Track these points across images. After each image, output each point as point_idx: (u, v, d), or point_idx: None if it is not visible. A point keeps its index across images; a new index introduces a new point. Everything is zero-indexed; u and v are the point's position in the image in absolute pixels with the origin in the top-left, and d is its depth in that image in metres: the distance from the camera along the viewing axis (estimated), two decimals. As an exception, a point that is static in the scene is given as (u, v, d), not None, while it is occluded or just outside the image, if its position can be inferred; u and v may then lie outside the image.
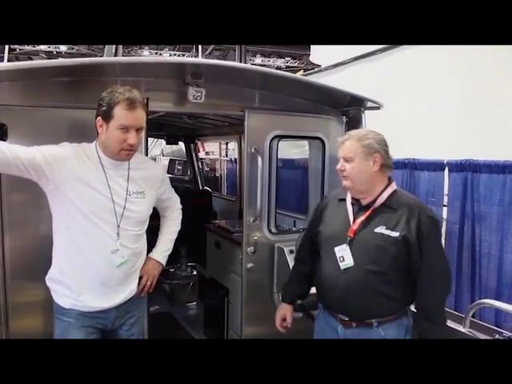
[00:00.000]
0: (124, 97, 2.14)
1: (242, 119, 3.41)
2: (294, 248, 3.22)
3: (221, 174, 9.41)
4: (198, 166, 6.55)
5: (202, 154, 9.23)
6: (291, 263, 3.11)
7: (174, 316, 5.07)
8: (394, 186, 2.37)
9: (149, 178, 2.40)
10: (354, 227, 2.32)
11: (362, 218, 2.33)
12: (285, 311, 2.63)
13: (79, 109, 2.70)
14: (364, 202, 2.37)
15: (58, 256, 2.28)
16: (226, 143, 9.59)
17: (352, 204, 2.41)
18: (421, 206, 2.32)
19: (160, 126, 5.52)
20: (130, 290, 2.38)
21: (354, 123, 3.85)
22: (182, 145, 8.00)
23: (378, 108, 3.66)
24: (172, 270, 5.28)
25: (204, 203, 5.56)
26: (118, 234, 2.25)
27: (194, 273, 5.30)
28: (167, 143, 6.73)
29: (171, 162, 9.90)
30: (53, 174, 2.11)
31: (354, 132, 2.41)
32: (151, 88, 2.98)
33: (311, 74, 7.15)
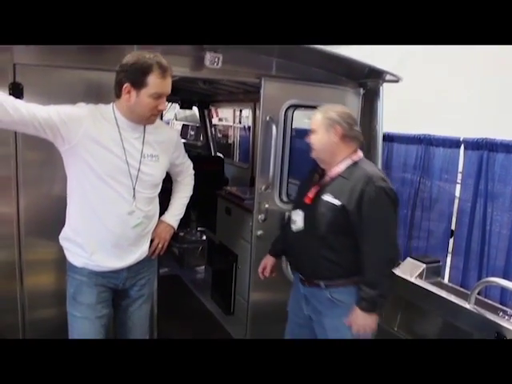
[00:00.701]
0: (157, 65, 2.13)
1: (258, 87, 3.38)
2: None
3: (233, 141, 9.38)
4: (211, 132, 6.52)
5: (215, 121, 9.18)
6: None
7: (182, 279, 5.17)
8: (354, 158, 2.49)
9: (163, 142, 2.41)
10: (311, 195, 2.52)
11: (317, 187, 2.52)
12: (267, 261, 2.87)
13: (96, 70, 2.69)
14: (326, 172, 2.54)
15: (71, 216, 2.31)
16: (240, 110, 9.52)
17: (319, 174, 2.59)
18: (371, 176, 2.39)
19: (174, 91, 5.47)
20: (141, 251, 2.41)
21: (371, 96, 3.82)
22: (195, 110, 7.97)
23: (396, 81, 3.61)
24: (182, 234, 5.33)
25: (216, 169, 5.57)
26: (133, 196, 2.28)
27: (204, 238, 5.36)
28: (181, 108, 6.68)
29: (184, 126, 9.87)
30: (68, 134, 2.12)
31: (321, 106, 2.57)
32: (168, 52, 2.92)
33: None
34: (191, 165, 2.76)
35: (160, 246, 2.53)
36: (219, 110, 10.60)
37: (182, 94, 5.67)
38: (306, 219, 2.51)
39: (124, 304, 2.51)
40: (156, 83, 2.14)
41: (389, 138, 4.14)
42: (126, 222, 2.29)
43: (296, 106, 3.49)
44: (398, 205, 2.50)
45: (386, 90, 3.76)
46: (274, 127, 3.29)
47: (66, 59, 2.65)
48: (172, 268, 5.14)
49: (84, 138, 2.14)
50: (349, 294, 2.46)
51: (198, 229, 5.32)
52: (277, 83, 3.32)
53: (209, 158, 6.29)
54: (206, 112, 6.39)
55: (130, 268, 2.39)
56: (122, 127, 2.24)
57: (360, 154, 2.54)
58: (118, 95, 2.21)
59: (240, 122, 9.87)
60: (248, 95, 5.03)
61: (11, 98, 2.00)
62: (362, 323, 2.40)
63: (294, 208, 2.62)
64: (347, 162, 2.48)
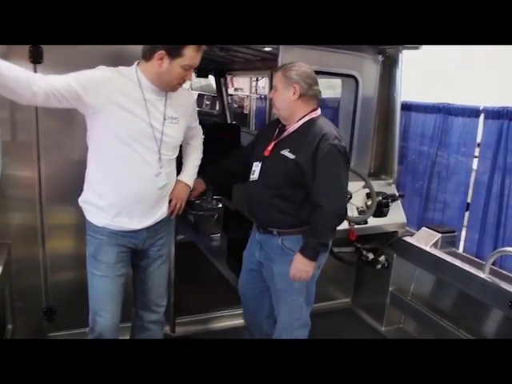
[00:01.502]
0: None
1: (275, 54, 3.34)
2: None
3: (249, 111, 9.32)
4: (228, 101, 6.48)
5: (231, 91, 9.11)
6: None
7: (198, 246, 5.24)
8: (312, 115, 2.61)
9: (183, 104, 2.43)
10: (269, 148, 2.64)
11: (275, 141, 2.64)
12: (197, 183, 2.82)
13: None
14: (287, 128, 2.65)
15: (93, 180, 2.34)
16: (257, 79, 9.42)
17: (279, 129, 2.70)
18: (325, 133, 2.52)
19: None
20: (161, 212, 2.47)
21: (390, 63, 3.76)
22: (210, 80, 7.89)
23: (416, 47, 3.54)
24: (198, 201, 5.37)
25: (232, 137, 5.54)
26: (159, 158, 2.33)
27: (220, 205, 5.38)
28: (198, 76, 6.62)
29: (200, 96, 9.81)
30: (90, 99, 2.13)
31: (285, 64, 2.66)
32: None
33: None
34: (201, 129, 2.80)
35: (178, 205, 2.58)
36: (235, 81, 10.52)
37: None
38: (262, 170, 2.64)
39: (143, 264, 2.57)
40: (191, 56, 2.17)
41: (406, 107, 4.09)
42: (153, 183, 2.34)
43: (315, 73, 3.45)
44: (349, 163, 2.70)
45: (406, 57, 3.70)
46: (291, 95, 3.26)
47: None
48: (188, 235, 5.19)
49: (107, 102, 2.15)
50: (298, 242, 2.61)
51: (214, 196, 5.34)
52: (295, 50, 3.27)
53: (225, 126, 6.27)
54: (222, 80, 6.34)
55: (149, 228, 2.43)
56: (145, 89, 2.25)
57: (318, 111, 2.66)
58: (148, 59, 2.21)
59: (256, 92, 9.79)
60: (265, 63, 4.97)
61: (29, 72, 2.01)
62: (301, 268, 2.56)
63: (255, 160, 2.70)
64: (305, 119, 2.60)
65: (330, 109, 5.10)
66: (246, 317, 3.12)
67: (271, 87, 5.26)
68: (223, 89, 6.33)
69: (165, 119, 2.32)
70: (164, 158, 2.35)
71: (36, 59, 2.59)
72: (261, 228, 2.75)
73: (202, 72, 6.34)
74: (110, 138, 2.21)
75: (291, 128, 2.63)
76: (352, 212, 3.45)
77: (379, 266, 3.70)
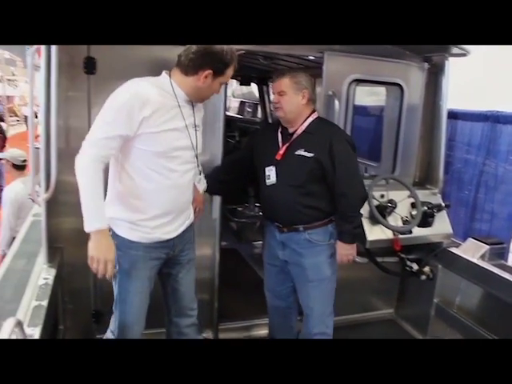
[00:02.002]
0: (236, 57, 2.30)
1: (319, 62, 3.36)
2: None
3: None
4: (270, 109, 6.52)
5: (272, 97, 9.14)
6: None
7: (240, 253, 5.28)
8: (314, 116, 2.84)
9: (202, 113, 2.54)
10: (281, 152, 2.81)
11: (286, 144, 2.81)
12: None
13: (165, 45, 2.76)
14: (290, 131, 2.84)
15: (127, 196, 2.33)
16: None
17: (281, 133, 2.88)
18: (335, 130, 2.89)
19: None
20: (190, 218, 2.58)
21: (436, 71, 3.71)
22: (252, 88, 7.93)
23: (464, 54, 3.48)
24: (240, 209, 5.42)
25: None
26: (197, 165, 2.47)
27: (262, 213, 5.41)
28: (241, 84, 6.70)
29: (241, 103, 9.91)
30: (137, 131, 2.18)
31: (288, 71, 2.88)
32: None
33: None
34: None
35: (202, 209, 2.79)
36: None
37: (242, 70, 5.69)
38: (280, 173, 2.79)
39: (175, 272, 2.59)
40: (230, 74, 2.34)
41: (453, 115, 4.01)
42: (189, 191, 2.47)
43: (359, 81, 3.44)
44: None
45: (453, 64, 3.64)
46: (336, 102, 3.26)
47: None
48: (230, 242, 5.23)
49: (149, 124, 2.19)
50: (324, 233, 2.86)
51: (256, 204, 5.39)
52: (339, 57, 3.29)
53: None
54: (264, 88, 6.38)
55: (179, 234, 2.49)
56: (180, 101, 2.31)
57: (316, 113, 2.89)
58: (189, 74, 2.27)
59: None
60: (308, 71, 4.96)
61: (101, 171, 2.18)
62: (345, 253, 2.84)
63: (265, 165, 2.84)
64: (309, 121, 2.82)
65: (373, 117, 5.07)
66: (275, 319, 3.23)
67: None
68: (265, 96, 6.36)
69: (195, 128, 2.41)
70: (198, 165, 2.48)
71: (90, 70, 2.69)
72: (284, 227, 2.87)
73: (244, 80, 6.41)
74: (149, 155, 2.24)
75: (299, 130, 2.82)
76: (396, 221, 3.41)
77: (424, 277, 3.63)
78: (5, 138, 9.72)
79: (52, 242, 2.81)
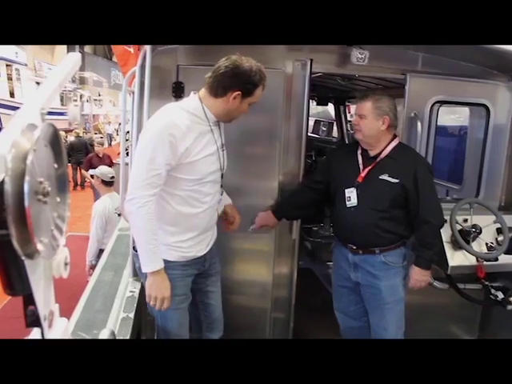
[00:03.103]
0: (264, 77, 2.29)
1: (399, 82, 3.33)
2: (446, 218, 3.13)
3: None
4: (347, 128, 6.51)
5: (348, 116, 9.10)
6: (443, 234, 3.07)
7: (314, 273, 5.27)
8: (396, 141, 2.85)
9: (223, 130, 2.49)
10: (363, 174, 2.83)
11: (369, 167, 2.82)
12: (268, 216, 3.08)
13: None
14: (371, 154, 2.85)
15: (160, 222, 2.31)
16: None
17: (361, 155, 2.87)
18: (417, 157, 2.91)
19: (311, 87, 5.56)
20: (215, 233, 2.61)
21: (526, 89, 3.56)
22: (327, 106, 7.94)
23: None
24: (315, 228, 5.42)
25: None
26: (221, 185, 2.50)
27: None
28: (317, 104, 6.76)
29: (316, 122, 9.93)
30: (176, 162, 2.22)
31: (371, 94, 2.83)
32: (315, 49, 3.05)
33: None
34: None
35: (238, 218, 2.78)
36: (351, 106, 10.49)
37: (319, 90, 5.74)
38: (361, 196, 2.80)
39: (204, 286, 2.62)
40: (259, 94, 2.31)
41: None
42: (215, 209, 2.51)
43: (442, 102, 3.38)
44: None
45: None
46: (419, 124, 3.22)
47: (219, 58, 2.86)
48: (305, 261, 5.24)
49: (187, 154, 2.22)
50: (399, 255, 2.87)
51: (332, 224, 5.36)
52: (422, 79, 3.25)
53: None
54: (341, 108, 6.39)
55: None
56: (211, 124, 2.32)
57: (398, 138, 2.89)
58: (219, 96, 2.27)
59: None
60: (387, 91, 4.94)
61: (153, 207, 2.19)
62: (420, 278, 2.84)
63: (345, 186, 2.85)
64: (392, 145, 2.82)
65: (453, 137, 4.92)
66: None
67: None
68: (343, 116, 6.36)
69: (222, 148, 2.43)
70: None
71: (178, 94, 2.85)
72: (360, 249, 2.88)
73: (322, 100, 6.44)
74: (186, 182, 2.28)
75: (382, 154, 2.82)
76: (480, 247, 3.27)
77: (510, 307, 3.45)
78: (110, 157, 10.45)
79: None
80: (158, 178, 2.16)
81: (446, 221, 3.00)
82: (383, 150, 2.82)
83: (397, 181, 2.73)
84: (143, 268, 2.22)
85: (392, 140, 2.84)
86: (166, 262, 2.31)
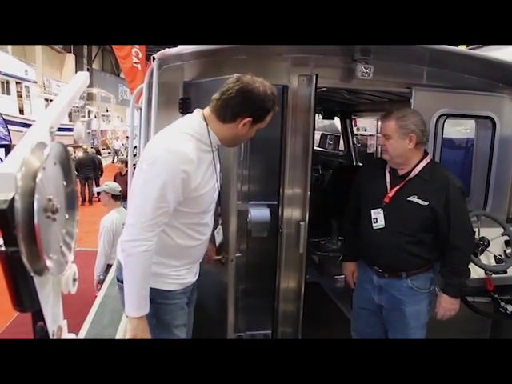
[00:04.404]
0: (276, 102, 2.10)
1: (404, 96, 3.35)
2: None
3: (376, 150, 9.25)
4: (353, 142, 6.52)
5: (355, 130, 9.12)
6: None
7: (322, 286, 5.24)
8: (428, 160, 2.70)
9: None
10: (390, 194, 2.69)
11: (397, 187, 2.69)
12: (353, 268, 3.06)
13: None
14: (400, 173, 2.71)
15: (158, 253, 2.12)
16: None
17: (389, 173, 2.75)
18: (450, 178, 2.66)
19: (317, 101, 5.58)
20: None
21: (531, 103, 3.56)
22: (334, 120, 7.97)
23: None
24: (323, 242, 5.41)
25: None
26: (219, 213, 2.39)
27: (344, 246, 5.36)
28: (323, 118, 6.78)
29: (323, 136, 9.96)
30: (184, 197, 2.07)
31: (394, 111, 2.68)
32: (320, 64, 3.09)
33: (476, 48, 6.61)
34: None
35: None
36: (357, 120, 10.51)
37: (325, 104, 5.78)
38: (388, 218, 2.68)
39: (189, 310, 2.48)
40: (268, 120, 2.12)
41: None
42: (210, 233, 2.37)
43: (448, 115, 3.38)
44: None
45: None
46: (424, 137, 3.22)
47: (227, 74, 2.89)
48: (312, 275, 5.22)
49: (197, 186, 2.07)
50: (425, 280, 2.75)
51: (339, 237, 5.35)
52: (427, 92, 3.25)
53: (351, 167, 6.28)
54: (347, 122, 6.41)
55: None
56: (213, 148, 2.16)
57: (430, 155, 2.76)
58: (228, 121, 2.07)
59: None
60: (393, 104, 4.96)
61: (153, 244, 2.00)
62: (450, 307, 2.73)
63: (371, 207, 2.73)
64: (422, 165, 2.69)
65: (458, 149, 4.91)
66: None
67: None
68: (349, 130, 6.38)
69: (220, 174, 2.27)
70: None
71: (185, 110, 2.88)
72: (386, 273, 2.76)
73: (328, 114, 6.47)
74: (189, 214, 2.14)
75: (411, 173, 2.68)
76: (489, 260, 3.25)
77: (521, 320, 3.41)
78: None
79: None
80: (164, 216, 2.00)
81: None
82: (413, 169, 2.68)
83: (426, 203, 2.60)
84: (130, 312, 2.05)
85: (423, 158, 2.70)
86: (165, 292, 2.21)
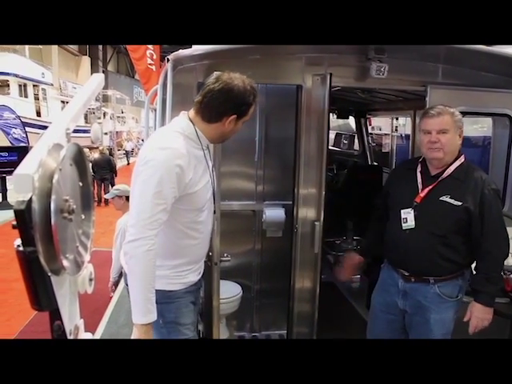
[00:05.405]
0: (257, 95, 2.16)
1: (420, 94, 3.32)
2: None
3: (391, 150, 9.19)
4: (368, 141, 6.48)
5: (369, 129, 9.07)
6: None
7: (337, 286, 5.22)
8: (462, 159, 2.58)
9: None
10: (422, 194, 2.58)
11: (429, 187, 2.58)
12: (357, 260, 2.99)
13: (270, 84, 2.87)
14: (433, 173, 2.60)
15: (162, 255, 2.15)
16: (396, 118, 9.28)
17: (421, 173, 2.64)
18: (485, 178, 2.54)
19: (332, 100, 5.57)
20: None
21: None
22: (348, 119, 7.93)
23: None
24: (338, 242, 5.39)
25: (373, 178, 5.50)
26: (214, 209, 2.37)
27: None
28: (338, 117, 6.76)
29: (337, 135, 9.91)
30: (180, 194, 2.09)
31: (443, 107, 2.55)
32: (334, 64, 3.08)
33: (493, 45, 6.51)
34: None
35: None
36: (372, 119, 10.45)
37: (339, 103, 5.75)
38: (419, 218, 2.57)
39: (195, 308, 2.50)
40: (252, 112, 2.20)
41: None
42: (210, 237, 2.41)
43: (464, 113, 3.34)
44: None
45: None
46: (439, 135, 3.19)
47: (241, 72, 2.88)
48: (327, 275, 5.19)
49: (191, 182, 2.11)
50: (453, 287, 2.61)
51: (354, 237, 5.33)
52: (443, 90, 3.22)
53: (366, 167, 6.25)
54: (362, 121, 6.37)
55: None
56: (204, 147, 2.21)
57: (464, 155, 2.61)
58: (214, 121, 2.14)
59: (396, 130, 9.62)
60: (407, 103, 4.92)
61: (154, 248, 2.00)
62: (483, 317, 2.56)
63: (401, 207, 2.62)
64: (456, 164, 2.57)
65: (475, 147, 4.86)
66: None
67: (414, 126, 5.23)
68: (363, 129, 6.35)
69: (213, 170, 2.33)
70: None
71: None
72: (412, 277, 2.64)
73: (342, 113, 6.45)
74: (184, 212, 2.17)
75: (445, 174, 2.56)
76: (507, 260, 3.20)
77: (540, 321, 3.35)
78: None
79: None
80: (163, 213, 2.02)
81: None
82: (446, 169, 2.57)
83: (460, 203, 2.48)
84: (137, 318, 2.01)
85: (457, 158, 2.58)
86: (168, 292, 2.22)
